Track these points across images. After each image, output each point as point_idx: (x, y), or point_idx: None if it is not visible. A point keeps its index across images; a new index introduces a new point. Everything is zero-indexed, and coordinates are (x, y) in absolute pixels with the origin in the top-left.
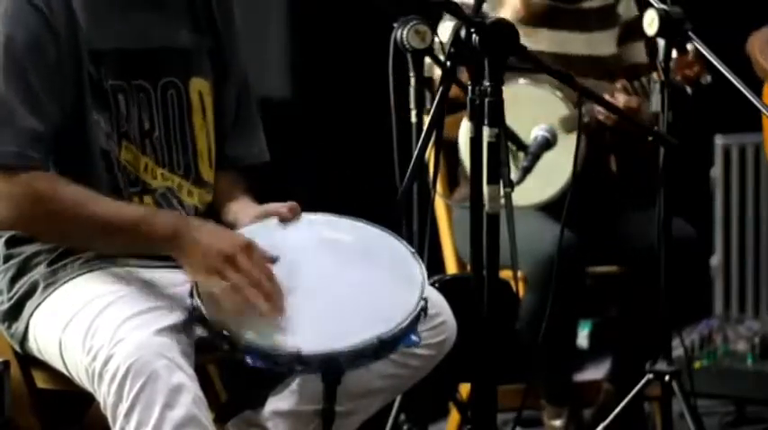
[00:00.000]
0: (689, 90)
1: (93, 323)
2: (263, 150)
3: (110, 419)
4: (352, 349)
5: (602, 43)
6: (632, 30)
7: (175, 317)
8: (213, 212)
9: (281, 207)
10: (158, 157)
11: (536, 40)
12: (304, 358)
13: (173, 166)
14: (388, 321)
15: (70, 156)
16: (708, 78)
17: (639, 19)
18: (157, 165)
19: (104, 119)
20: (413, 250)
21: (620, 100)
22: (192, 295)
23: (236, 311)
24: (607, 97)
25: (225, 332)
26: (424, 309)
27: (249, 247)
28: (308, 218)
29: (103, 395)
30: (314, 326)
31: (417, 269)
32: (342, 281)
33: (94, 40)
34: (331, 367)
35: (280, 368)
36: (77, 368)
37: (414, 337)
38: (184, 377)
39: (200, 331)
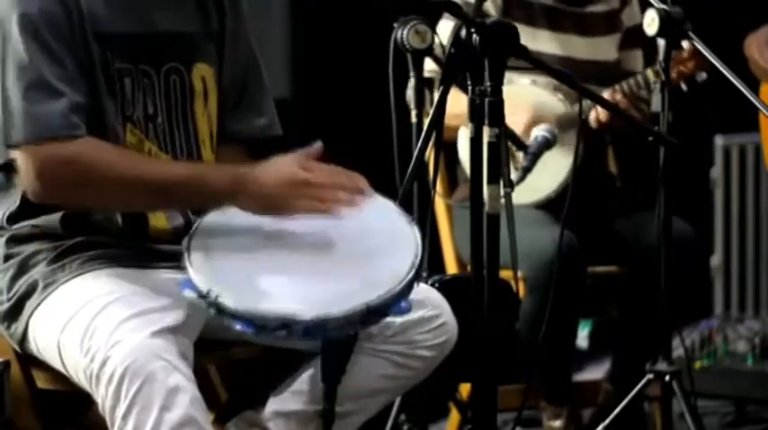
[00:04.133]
0: (684, 87)
1: (90, 324)
2: (273, 124)
3: (108, 421)
4: (339, 315)
5: (603, 48)
6: (633, 37)
7: (173, 318)
8: None
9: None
10: (161, 143)
11: (540, 41)
12: (291, 324)
13: (176, 152)
14: (378, 288)
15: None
16: (703, 75)
17: (640, 27)
18: (160, 150)
19: (111, 101)
20: (409, 217)
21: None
22: (183, 262)
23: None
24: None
25: (213, 297)
26: (417, 276)
27: (306, 163)
28: None
29: (101, 397)
30: (303, 292)
31: (412, 236)
32: (333, 245)
33: (100, 24)
34: (318, 333)
35: (267, 333)
36: (76, 369)
37: (404, 305)
38: (182, 378)
39: (188, 294)
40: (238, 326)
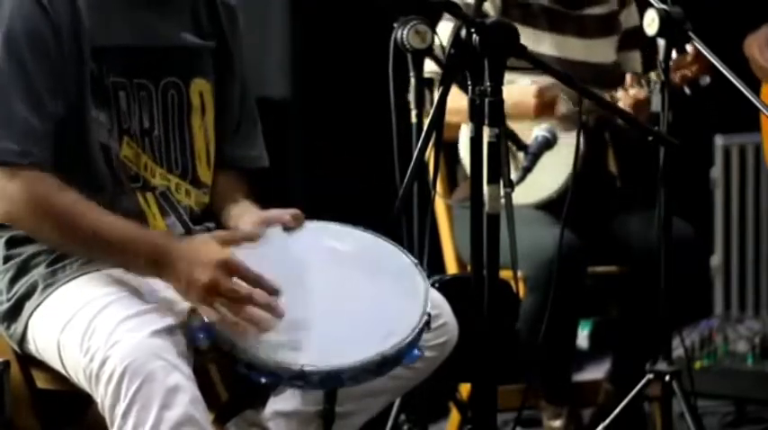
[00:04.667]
0: (687, 91)
1: (90, 324)
2: (263, 156)
3: (107, 420)
4: (354, 366)
5: (601, 50)
6: (631, 38)
7: (173, 318)
8: (211, 214)
9: (284, 214)
10: (156, 157)
11: (537, 42)
12: (307, 375)
13: (171, 166)
14: (391, 337)
15: (69, 149)
16: (707, 79)
17: (639, 28)
18: (156, 164)
19: (105, 115)
20: (415, 260)
21: (631, 92)
22: (192, 310)
23: (236, 333)
24: (607, 96)
25: (228, 348)
26: (428, 323)
27: (227, 265)
28: (311, 226)
29: (101, 396)
30: (317, 341)
31: (420, 281)
32: (345, 294)
33: (98, 37)
34: (333, 384)
35: (283, 383)
36: (76, 369)
37: (416, 352)
38: (181, 377)
39: (204, 343)
40: (252, 376)
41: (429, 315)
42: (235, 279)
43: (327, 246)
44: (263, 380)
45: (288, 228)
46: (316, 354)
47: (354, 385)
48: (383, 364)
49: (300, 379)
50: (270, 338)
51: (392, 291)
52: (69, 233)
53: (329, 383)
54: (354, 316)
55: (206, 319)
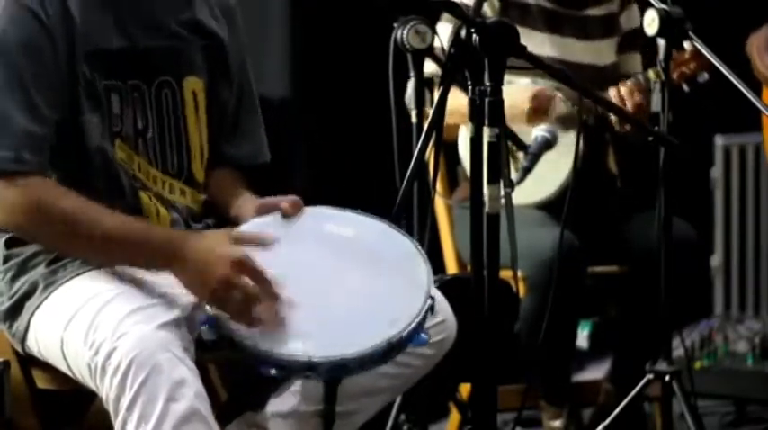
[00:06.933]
0: (686, 88)
1: (95, 318)
2: (265, 152)
3: (111, 413)
4: (361, 354)
5: (601, 52)
6: (631, 40)
7: (177, 312)
8: (209, 211)
9: (283, 201)
10: (151, 158)
11: (537, 44)
12: (315, 365)
13: (166, 167)
14: (396, 323)
15: (65, 153)
16: (705, 76)
17: (639, 30)
18: (150, 165)
19: (97, 118)
20: (417, 244)
21: (623, 92)
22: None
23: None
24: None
25: (236, 340)
26: (431, 307)
27: (242, 263)
28: (311, 211)
29: (106, 389)
30: (323, 331)
31: (423, 265)
32: (347, 280)
33: (91, 41)
34: (341, 373)
35: (291, 375)
36: (79, 364)
37: (423, 336)
38: (187, 371)
39: (209, 336)
40: (261, 368)
41: (433, 298)
42: (246, 278)
43: (327, 231)
44: (272, 372)
45: (287, 215)
46: (322, 345)
47: (361, 372)
48: (389, 351)
49: (309, 370)
50: (279, 331)
51: (394, 276)
52: (74, 235)
53: (338, 372)
54: (358, 303)
55: (210, 312)
